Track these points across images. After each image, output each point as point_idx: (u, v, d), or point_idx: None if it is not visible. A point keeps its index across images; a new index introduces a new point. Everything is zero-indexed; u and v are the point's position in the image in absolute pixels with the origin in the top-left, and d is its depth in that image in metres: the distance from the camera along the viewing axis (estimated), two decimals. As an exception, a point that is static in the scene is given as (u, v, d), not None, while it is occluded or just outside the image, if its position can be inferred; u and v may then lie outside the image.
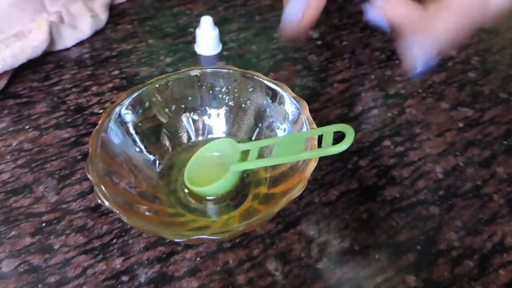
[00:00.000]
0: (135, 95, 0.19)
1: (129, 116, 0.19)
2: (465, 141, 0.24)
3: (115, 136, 0.18)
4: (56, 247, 0.19)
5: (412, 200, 0.21)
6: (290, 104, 0.19)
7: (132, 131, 0.19)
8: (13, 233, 0.20)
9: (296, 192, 0.15)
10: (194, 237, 0.14)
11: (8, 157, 0.23)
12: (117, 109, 0.18)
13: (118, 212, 0.15)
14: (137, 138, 0.19)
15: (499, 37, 0.32)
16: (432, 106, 0.27)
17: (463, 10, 0.15)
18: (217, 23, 0.32)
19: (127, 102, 0.18)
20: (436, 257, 0.19)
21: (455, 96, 0.27)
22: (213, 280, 0.18)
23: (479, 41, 0.32)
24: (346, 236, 0.20)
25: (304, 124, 0.17)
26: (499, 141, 0.25)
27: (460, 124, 0.25)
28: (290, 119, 0.19)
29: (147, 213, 0.17)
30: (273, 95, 0.19)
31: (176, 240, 0.15)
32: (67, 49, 0.30)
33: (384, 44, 0.31)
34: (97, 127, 0.17)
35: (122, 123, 0.18)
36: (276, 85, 0.19)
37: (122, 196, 0.16)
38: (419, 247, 0.19)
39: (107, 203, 0.15)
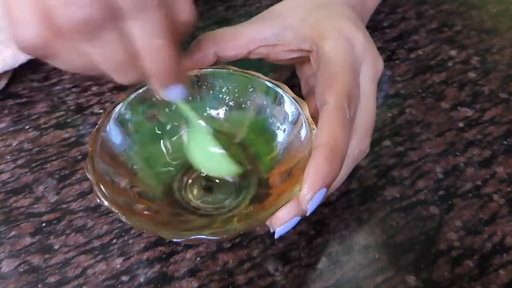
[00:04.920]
0: (135, 95, 0.19)
1: (129, 116, 0.19)
2: (465, 141, 0.24)
3: (115, 135, 0.18)
4: (56, 247, 0.19)
5: (412, 200, 0.21)
6: (290, 104, 0.19)
7: (132, 130, 0.19)
8: (13, 233, 0.20)
9: (296, 193, 0.15)
10: (193, 237, 0.14)
11: (8, 157, 0.23)
12: (117, 109, 0.18)
13: (116, 211, 0.15)
14: (137, 138, 0.19)
15: (499, 37, 0.32)
16: (432, 106, 0.27)
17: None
18: (217, 23, 0.32)
19: (127, 101, 0.19)
20: (436, 257, 0.19)
21: (455, 96, 0.27)
22: (213, 280, 0.18)
23: (479, 41, 0.32)
24: (346, 236, 0.20)
25: (304, 125, 0.18)
26: (499, 141, 0.25)
27: (460, 124, 0.26)
28: (289, 119, 0.19)
29: (146, 212, 0.16)
30: (273, 96, 0.19)
31: (174, 240, 0.15)
32: (67, 49, 0.30)
33: (384, 44, 0.31)
34: (97, 126, 0.17)
35: (122, 122, 0.18)
36: (276, 85, 0.19)
37: (122, 196, 0.16)
38: (419, 247, 0.19)
39: (106, 203, 0.15)
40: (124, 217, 0.15)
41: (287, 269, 0.19)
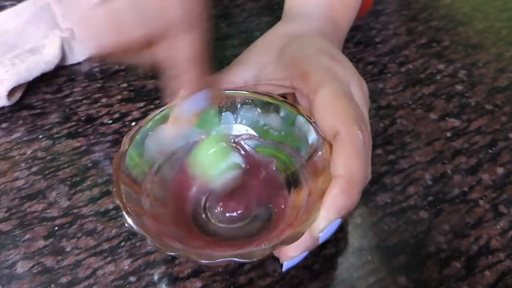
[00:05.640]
0: (157, 117, 0.18)
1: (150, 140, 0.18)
2: (452, 150, 0.26)
3: (137, 159, 0.18)
4: (68, 249, 0.20)
5: (402, 205, 0.23)
6: (310, 128, 0.18)
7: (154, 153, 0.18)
8: (27, 236, 0.21)
9: (311, 221, 0.15)
10: (222, 259, 0.14)
11: (23, 164, 0.24)
12: (139, 133, 0.18)
13: (146, 235, 0.14)
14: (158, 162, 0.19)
15: (484, 52, 0.34)
16: (422, 117, 0.28)
17: None
18: (219, 38, 0.34)
19: (148, 126, 0.18)
20: (425, 259, 0.20)
21: (443, 107, 0.29)
22: (216, 280, 0.19)
23: (466, 56, 0.33)
24: (340, 239, 0.21)
25: (321, 148, 0.17)
26: (485, 150, 0.26)
27: (448, 134, 0.27)
28: (309, 142, 0.18)
29: (170, 232, 0.16)
30: (290, 118, 0.19)
31: (203, 261, 0.14)
32: (78, 63, 0.32)
33: (376, 58, 0.33)
34: (120, 150, 0.17)
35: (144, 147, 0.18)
36: (293, 105, 0.19)
37: (147, 217, 0.16)
38: (409, 250, 0.21)
39: (135, 227, 0.15)
40: (153, 240, 0.14)
41: (285, 270, 0.20)
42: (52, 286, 0.19)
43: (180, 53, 0.16)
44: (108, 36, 0.15)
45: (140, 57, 0.17)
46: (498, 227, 0.22)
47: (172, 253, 0.15)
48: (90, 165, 0.24)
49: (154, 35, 0.15)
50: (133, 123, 0.27)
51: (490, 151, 0.26)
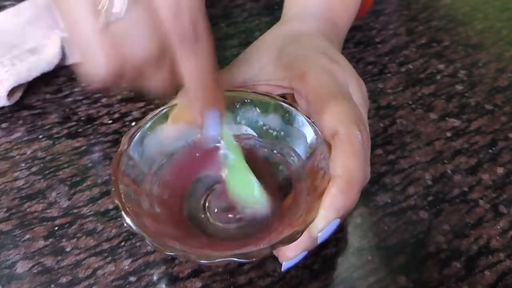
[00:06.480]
0: (155, 118, 0.18)
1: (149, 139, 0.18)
2: (452, 150, 0.26)
3: (137, 159, 0.17)
4: (68, 249, 0.20)
5: (402, 205, 0.23)
6: (309, 127, 0.18)
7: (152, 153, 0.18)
8: (27, 236, 0.21)
9: (310, 221, 0.15)
10: (221, 259, 0.14)
11: (23, 164, 0.24)
12: (138, 133, 0.18)
13: (146, 236, 0.14)
14: (158, 161, 0.19)
15: (484, 52, 0.34)
16: (422, 117, 0.28)
17: None
18: (219, 38, 0.34)
19: (147, 125, 0.18)
20: (425, 258, 0.20)
21: (443, 107, 0.29)
22: (216, 280, 0.19)
23: (466, 56, 0.33)
24: (340, 239, 0.21)
25: (321, 148, 0.17)
26: (485, 150, 0.26)
27: (448, 134, 0.27)
28: (308, 142, 0.18)
29: (170, 233, 0.16)
30: (290, 117, 0.19)
31: (202, 262, 0.14)
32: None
33: (376, 58, 0.33)
34: (118, 151, 0.17)
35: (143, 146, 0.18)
36: (290, 105, 0.19)
37: (147, 217, 0.16)
38: (409, 250, 0.21)
39: (134, 228, 0.15)
40: (152, 240, 0.14)
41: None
42: (52, 286, 0.19)
43: (188, 69, 0.15)
44: (111, 63, 0.14)
45: (140, 83, 0.15)
46: (498, 227, 0.22)
47: (171, 253, 0.15)
48: (90, 165, 0.24)
49: (155, 55, 0.14)
50: (133, 123, 0.27)
51: (490, 151, 0.26)
